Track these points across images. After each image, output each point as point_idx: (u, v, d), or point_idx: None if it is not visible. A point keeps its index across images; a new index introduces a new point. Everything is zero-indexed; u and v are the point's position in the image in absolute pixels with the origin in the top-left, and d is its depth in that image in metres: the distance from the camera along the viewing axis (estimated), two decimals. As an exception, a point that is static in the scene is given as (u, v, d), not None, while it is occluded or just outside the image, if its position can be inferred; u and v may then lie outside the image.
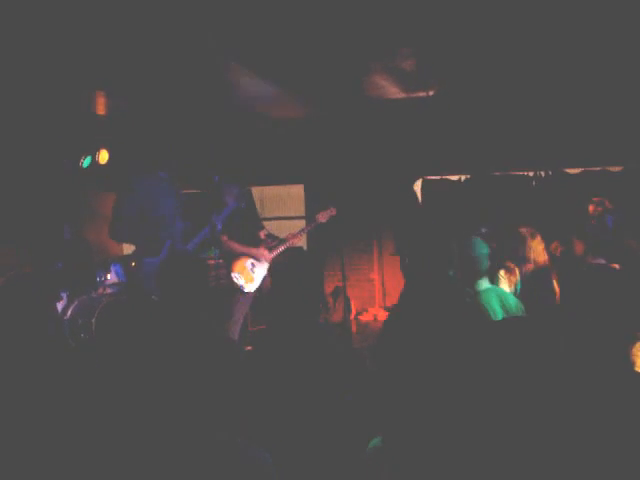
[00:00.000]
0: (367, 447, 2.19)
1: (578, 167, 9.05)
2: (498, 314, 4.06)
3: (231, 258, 6.58)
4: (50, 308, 3.10)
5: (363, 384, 3.08)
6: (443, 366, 2.01)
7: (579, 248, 5.59)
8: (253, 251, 6.64)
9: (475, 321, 3.33)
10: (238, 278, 6.51)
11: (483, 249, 4.24)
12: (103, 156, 7.81)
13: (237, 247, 6.58)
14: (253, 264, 6.60)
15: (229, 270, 6.50)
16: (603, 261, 5.48)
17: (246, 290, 6.53)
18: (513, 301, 4.25)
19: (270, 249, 6.70)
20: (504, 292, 4.32)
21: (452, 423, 1.86)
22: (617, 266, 5.63)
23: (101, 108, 7.27)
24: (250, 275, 6.57)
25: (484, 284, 4.25)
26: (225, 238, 6.48)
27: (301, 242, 7.09)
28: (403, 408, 2.00)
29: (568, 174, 9.10)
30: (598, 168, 8.99)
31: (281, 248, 6.77)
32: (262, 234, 6.88)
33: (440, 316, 2.46)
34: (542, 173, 9.17)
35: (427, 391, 1.97)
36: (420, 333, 2.23)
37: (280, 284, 7.55)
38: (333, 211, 6.94)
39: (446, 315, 2.56)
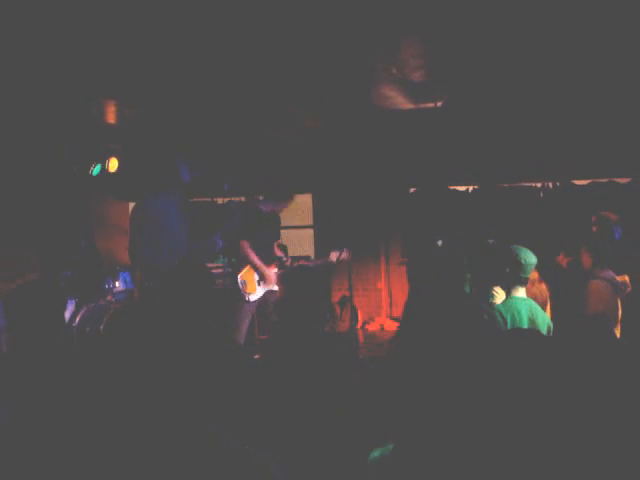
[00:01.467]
0: (369, 457, 2.21)
1: (586, 178, 9.06)
2: (523, 322, 4.19)
3: (244, 263, 6.60)
4: (57, 315, 3.14)
5: (367, 393, 3.10)
6: (455, 377, 2.02)
7: (586, 260, 5.61)
8: (263, 270, 6.62)
9: (489, 333, 3.36)
10: (242, 284, 6.52)
11: (533, 258, 4.35)
12: (113, 164, 7.86)
13: (252, 258, 6.57)
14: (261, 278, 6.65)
15: (236, 273, 6.54)
16: (611, 273, 5.51)
17: (246, 298, 6.56)
18: (542, 317, 4.35)
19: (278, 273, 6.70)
20: (538, 307, 4.42)
21: (464, 432, 1.88)
22: (626, 277, 5.66)
23: (111, 117, 7.32)
24: (254, 286, 6.60)
25: (521, 292, 4.36)
26: (245, 244, 6.51)
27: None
28: (415, 417, 2.02)
29: (576, 185, 9.11)
30: (606, 179, 9.00)
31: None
32: (276, 247, 6.92)
33: (455, 328, 2.49)
34: (550, 184, 9.18)
35: (438, 401, 1.99)
36: (433, 346, 2.25)
37: (287, 293, 7.56)
38: (345, 254, 6.93)
39: (460, 327, 2.58)
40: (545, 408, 1.85)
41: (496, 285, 4.73)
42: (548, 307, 5.37)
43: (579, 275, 5.67)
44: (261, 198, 6.90)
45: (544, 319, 4.34)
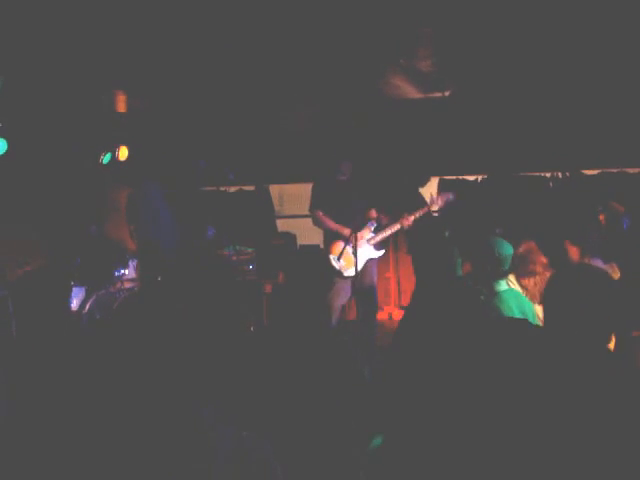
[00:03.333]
0: (370, 445, 2.24)
1: (596, 168, 9.03)
2: (515, 315, 4.10)
3: (330, 239, 6.37)
4: (65, 301, 3.18)
5: (370, 383, 3.13)
6: (455, 365, 2.04)
7: (573, 252, 5.58)
8: (345, 231, 6.23)
9: (488, 320, 3.37)
10: (335, 260, 6.23)
11: (508, 250, 4.26)
12: (123, 152, 7.91)
13: (330, 224, 6.36)
14: (353, 246, 6.11)
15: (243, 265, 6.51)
16: (599, 262, 5.49)
17: (345, 275, 6.25)
18: (529, 306, 4.27)
19: (373, 229, 6.36)
20: (522, 296, 4.34)
21: (459, 422, 1.90)
22: (614, 266, 5.64)
23: (121, 106, 7.36)
24: (349, 258, 6.19)
25: (503, 285, 4.27)
26: (320, 213, 6.38)
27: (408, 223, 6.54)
28: (411, 407, 2.04)
29: (585, 175, 9.07)
30: (616, 170, 8.96)
31: (388, 232, 6.45)
32: (372, 214, 6.56)
33: (452, 316, 2.50)
34: (559, 174, 9.15)
35: (437, 391, 2.01)
36: (433, 334, 2.27)
37: (294, 282, 7.59)
38: (449, 196, 6.54)
39: (459, 315, 2.60)
40: (539, 400, 1.87)
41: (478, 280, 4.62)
42: None
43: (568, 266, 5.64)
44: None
45: (530, 308, 4.26)
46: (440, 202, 6.47)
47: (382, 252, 6.52)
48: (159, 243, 5.64)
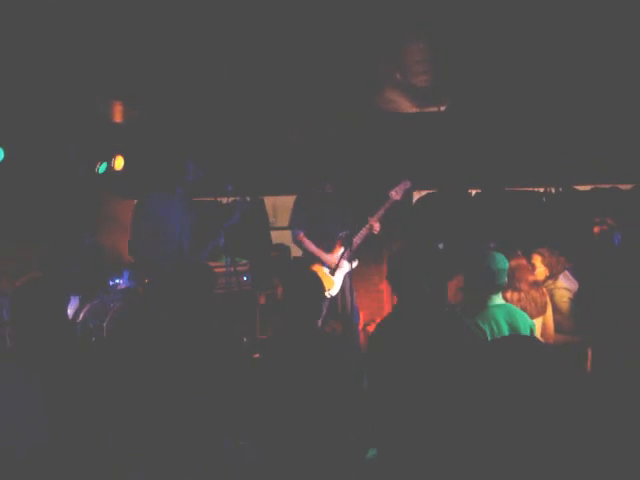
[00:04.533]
0: (365, 456, 2.26)
1: (588, 184, 9.09)
2: (503, 330, 4.08)
3: (308, 263, 6.40)
4: (62, 311, 3.19)
5: (363, 395, 3.15)
6: (427, 378, 2.06)
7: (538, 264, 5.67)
8: (323, 257, 6.39)
9: (456, 336, 3.37)
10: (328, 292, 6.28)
11: (504, 264, 4.21)
12: (119, 162, 7.92)
13: (310, 248, 6.40)
14: (331, 269, 6.34)
15: (239, 277, 6.50)
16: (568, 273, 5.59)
17: (327, 295, 6.26)
18: (523, 320, 4.23)
19: (343, 253, 6.34)
20: (516, 310, 4.31)
21: (442, 432, 1.92)
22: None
23: (118, 116, 7.39)
24: (329, 280, 6.31)
25: (496, 300, 4.23)
26: (302, 235, 6.39)
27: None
28: (394, 419, 2.06)
29: (578, 191, 9.14)
30: (608, 185, 9.03)
31: (358, 241, 6.46)
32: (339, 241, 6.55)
33: (424, 333, 2.51)
34: (552, 189, 9.21)
35: (415, 402, 2.03)
36: (404, 346, 2.28)
37: (288, 293, 7.59)
38: (407, 184, 6.58)
39: (431, 333, 2.60)
40: (520, 408, 1.89)
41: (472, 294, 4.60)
42: (549, 311, 5.29)
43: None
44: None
45: (525, 322, 4.22)
46: (400, 192, 6.50)
47: (356, 263, 6.53)
48: (150, 256, 5.61)
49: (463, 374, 1.90)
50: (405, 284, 3.79)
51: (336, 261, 6.34)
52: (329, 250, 6.47)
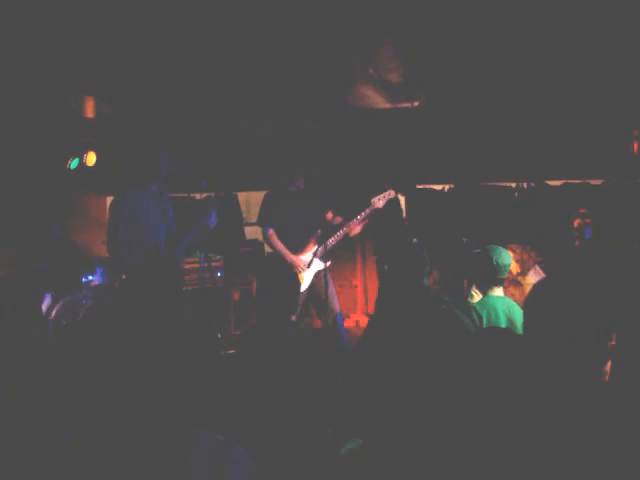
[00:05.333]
0: (344, 448, 2.26)
1: (559, 179, 9.18)
2: (501, 321, 4.19)
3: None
4: (35, 309, 3.16)
5: (341, 388, 3.16)
6: (420, 372, 2.07)
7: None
8: (288, 257, 6.37)
9: (451, 328, 3.41)
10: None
11: (507, 259, 4.34)
12: (91, 158, 7.85)
13: (277, 246, 6.39)
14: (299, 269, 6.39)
15: (213, 273, 6.48)
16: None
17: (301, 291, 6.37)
18: (518, 314, 4.28)
19: (315, 251, 6.38)
20: (515, 305, 4.39)
21: (430, 426, 1.93)
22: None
23: (90, 111, 7.32)
24: (300, 276, 6.40)
25: (497, 292, 4.36)
26: (271, 232, 6.38)
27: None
28: (383, 412, 2.06)
29: (549, 186, 9.22)
30: (579, 181, 9.12)
31: (332, 241, 6.48)
32: (329, 216, 6.61)
33: (417, 324, 2.53)
34: (524, 185, 9.29)
35: (405, 395, 2.03)
36: (398, 341, 2.29)
37: (263, 289, 7.58)
38: (391, 193, 6.53)
39: (423, 323, 2.63)
40: (509, 403, 1.91)
41: (475, 285, 4.73)
42: None
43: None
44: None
45: (521, 318, 4.32)
46: (382, 200, 6.48)
47: (329, 262, 6.53)
48: (126, 253, 5.55)
49: (454, 365, 1.91)
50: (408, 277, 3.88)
51: (300, 262, 6.37)
52: (300, 248, 6.46)
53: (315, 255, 6.39)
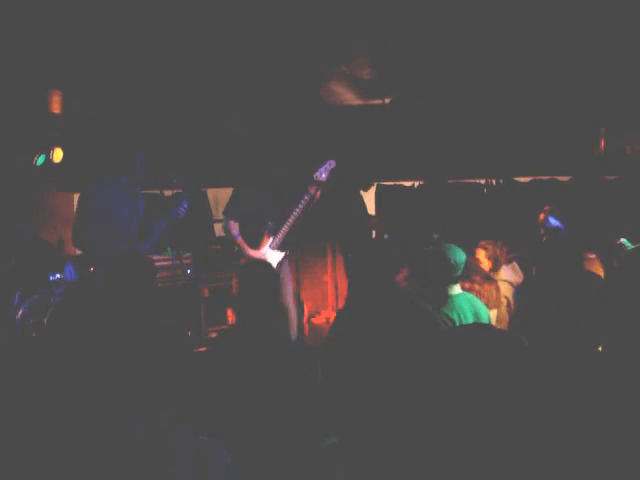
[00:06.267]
0: (321, 444, 2.25)
1: (528, 176, 9.28)
2: (469, 319, 4.19)
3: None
4: (5, 308, 3.11)
5: (315, 385, 3.15)
6: (390, 368, 2.06)
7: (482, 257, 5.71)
8: (251, 253, 6.37)
9: (423, 326, 3.41)
10: None
11: (462, 256, 4.32)
12: (57, 154, 7.74)
13: (246, 250, 6.38)
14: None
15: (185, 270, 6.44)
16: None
17: None
18: (483, 309, 4.37)
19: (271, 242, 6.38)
20: (475, 299, 4.43)
21: (402, 423, 1.92)
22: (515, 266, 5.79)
23: (56, 106, 7.21)
24: None
25: (456, 289, 4.35)
26: (240, 239, 6.36)
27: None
28: (355, 410, 2.05)
29: (518, 182, 9.33)
30: (547, 177, 9.24)
31: (285, 229, 6.42)
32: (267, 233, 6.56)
33: (387, 320, 2.52)
34: (493, 181, 9.38)
35: (376, 392, 2.02)
36: (368, 336, 2.28)
37: (236, 287, 7.53)
38: (331, 164, 6.47)
39: (393, 319, 2.61)
40: (485, 400, 1.91)
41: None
42: (503, 308, 5.34)
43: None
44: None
45: (485, 311, 4.36)
46: (325, 173, 6.45)
47: (288, 250, 6.53)
48: (101, 245, 5.51)
49: (428, 362, 1.90)
50: (372, 276, 3.87)
51: (258, 256, 6.35)
52: (255, 245, 6.45)
53: (271, 247, 6.41)
